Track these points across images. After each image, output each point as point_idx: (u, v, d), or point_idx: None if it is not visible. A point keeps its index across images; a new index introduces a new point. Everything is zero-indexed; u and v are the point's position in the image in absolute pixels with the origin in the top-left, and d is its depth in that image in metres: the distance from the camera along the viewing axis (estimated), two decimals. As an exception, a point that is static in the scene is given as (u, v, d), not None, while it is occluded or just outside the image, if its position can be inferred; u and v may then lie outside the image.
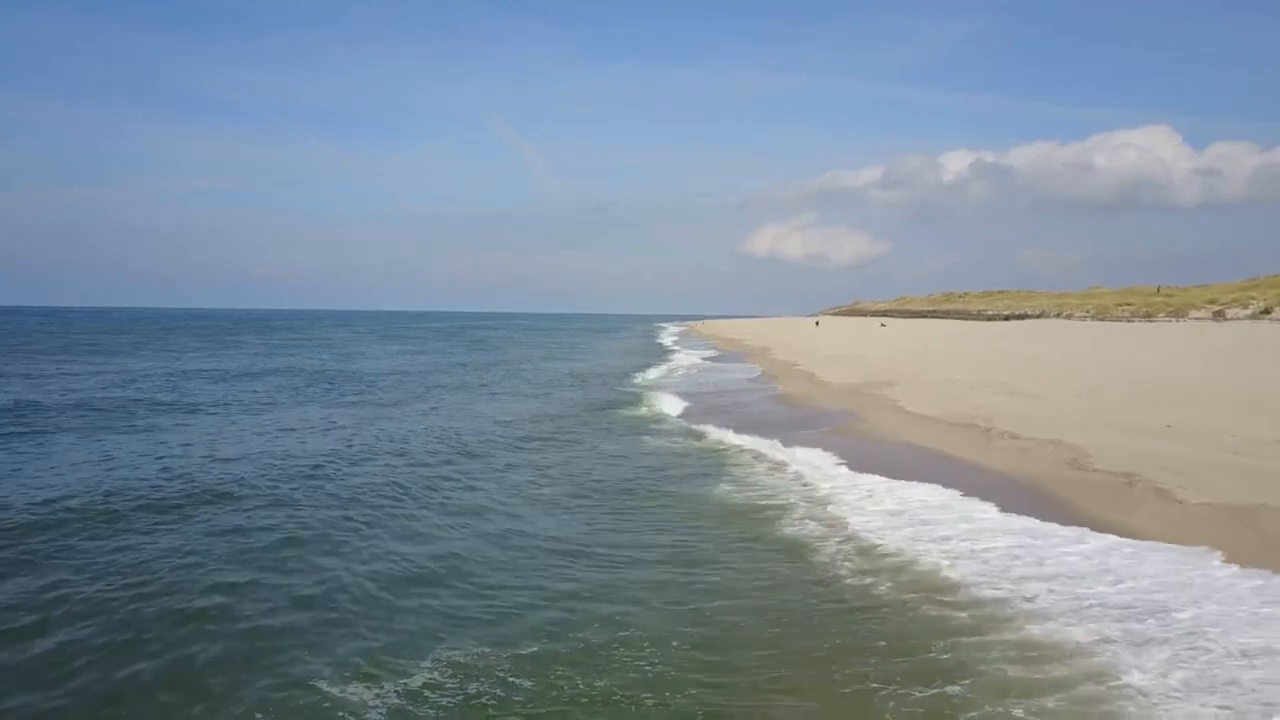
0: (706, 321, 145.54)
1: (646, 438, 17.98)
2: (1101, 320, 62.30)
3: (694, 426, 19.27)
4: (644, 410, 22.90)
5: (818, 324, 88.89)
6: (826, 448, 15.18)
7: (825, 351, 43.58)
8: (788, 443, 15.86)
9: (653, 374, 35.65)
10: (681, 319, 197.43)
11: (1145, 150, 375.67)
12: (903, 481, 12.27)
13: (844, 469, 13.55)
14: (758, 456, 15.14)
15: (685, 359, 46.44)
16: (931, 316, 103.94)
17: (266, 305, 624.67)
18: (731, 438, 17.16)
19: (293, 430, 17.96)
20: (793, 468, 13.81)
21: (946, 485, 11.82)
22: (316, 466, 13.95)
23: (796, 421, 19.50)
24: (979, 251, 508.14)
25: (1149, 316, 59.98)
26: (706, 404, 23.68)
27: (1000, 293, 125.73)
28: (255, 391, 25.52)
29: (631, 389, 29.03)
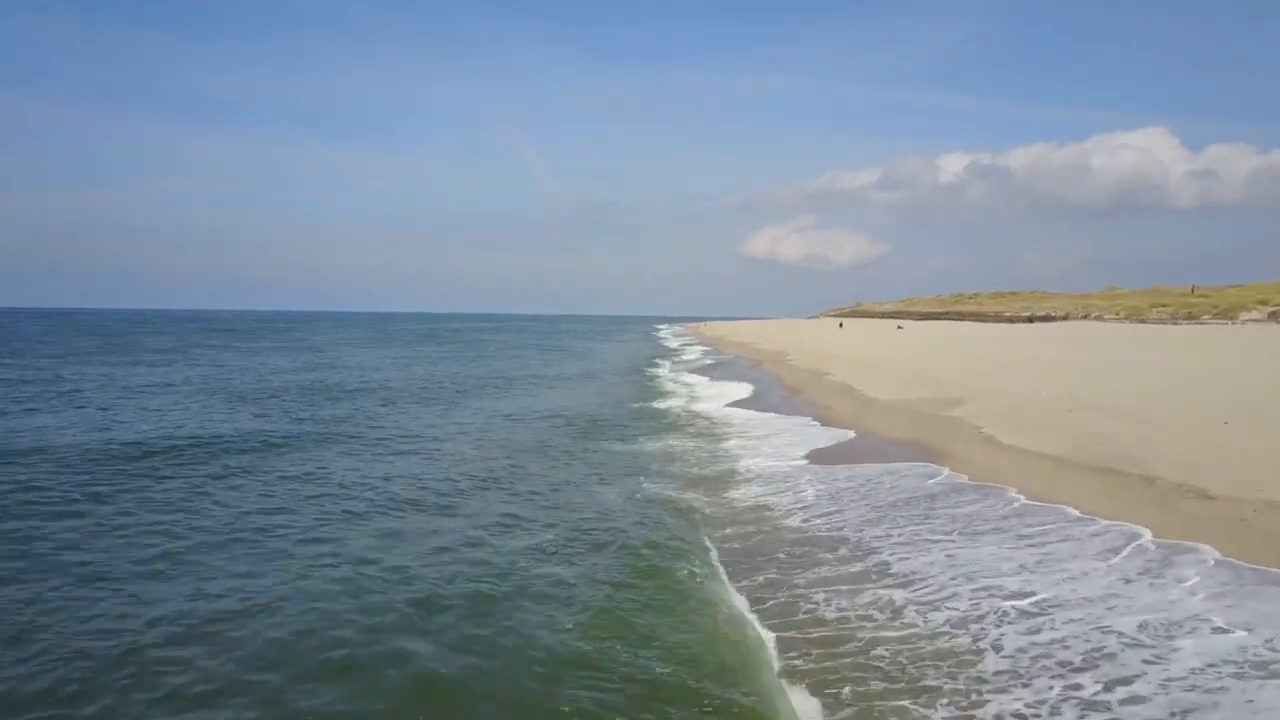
0: (708, 324, 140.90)
1: (649, 479, 13.37)
2: (1142, 322, 57.74)
3: (730, 467, 14.66)
4: (661, 443, 18.28)
5: (841, 325, 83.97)
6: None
7: (851, 357, 38.96)
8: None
9: (668, 397, 31.02)
10: (680, 321, 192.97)
11: (1143, 152, 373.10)
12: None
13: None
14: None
15: (693, 364, 41.84)
16: (944, 318, 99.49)
17: (267, 307, 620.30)
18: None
19: (171, 506, 11.09)
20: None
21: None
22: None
23: (856, 457, 14.90)
24: (977, 253, 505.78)
25: (1192, 318, 55.46)
26: (724, 429, 19.09)
27: (1012, 294, 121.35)
28: (173, 411, 20.85)
29: (656, 408, 24.41)
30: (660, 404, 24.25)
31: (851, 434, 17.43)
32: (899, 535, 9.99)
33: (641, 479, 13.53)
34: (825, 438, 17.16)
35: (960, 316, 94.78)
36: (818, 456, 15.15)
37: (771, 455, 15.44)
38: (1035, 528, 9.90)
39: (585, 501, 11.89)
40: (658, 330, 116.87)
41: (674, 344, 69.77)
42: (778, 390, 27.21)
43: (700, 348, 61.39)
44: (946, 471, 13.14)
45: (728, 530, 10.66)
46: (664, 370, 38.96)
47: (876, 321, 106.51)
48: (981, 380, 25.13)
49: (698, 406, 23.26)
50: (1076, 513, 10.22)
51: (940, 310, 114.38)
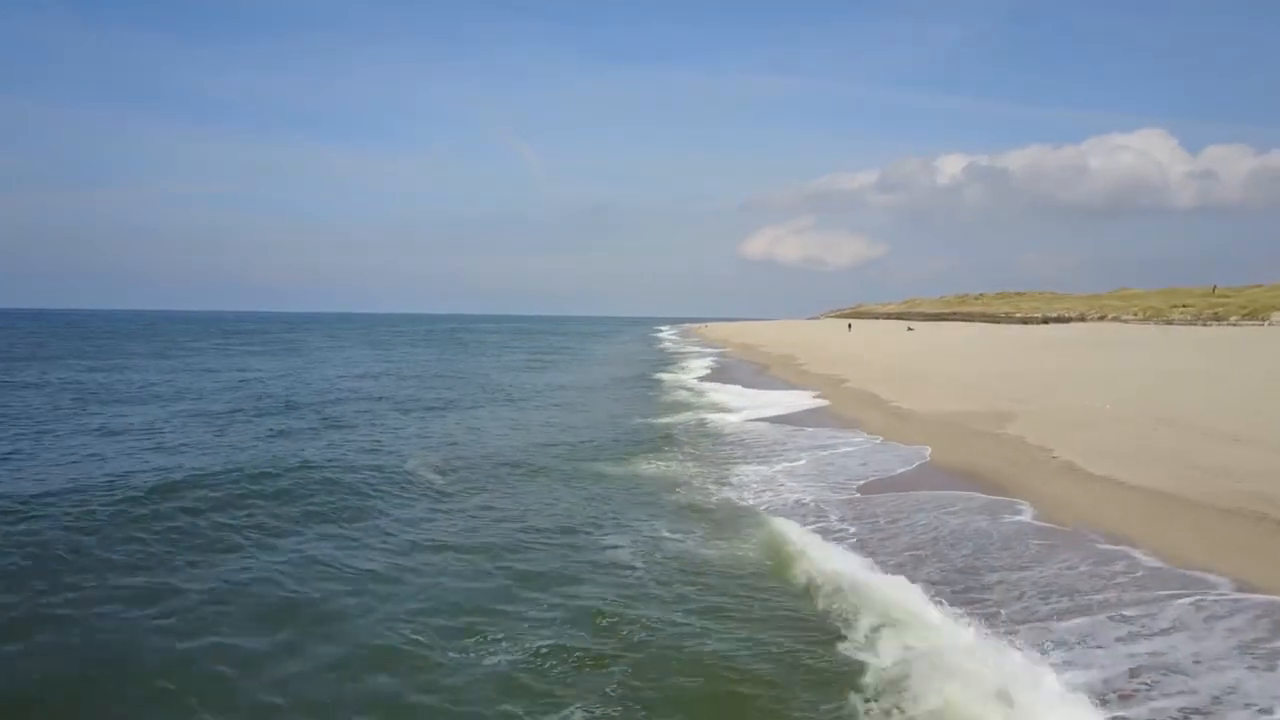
0: (708, 325, 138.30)
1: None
2: (1169, 323, 55.20)
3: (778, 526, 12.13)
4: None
5: (850, 327, 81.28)
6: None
7: (867, 361, 36.45)
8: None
9: (675, 414, 28.46)
10: (679, 321, 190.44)
11: (1141, 153, 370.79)
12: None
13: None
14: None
15: (699, 370, 39.30)
16: (951, 319, 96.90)
17: (268, 308, 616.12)
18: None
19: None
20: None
21: None
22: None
23: (908, 486, 12.40)
24: (976, 254, 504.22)
25: (1219, 318, 52.90)
26: (736, 450, 16.56)
27: (1019, 294, 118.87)
28: (106, 436, 18.34)
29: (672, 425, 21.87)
30: (672, 418, 21.73)
31: (921, 457, 14.89)
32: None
33: (655, 521, 11.00)
34: (866, 462, 14.63)
35: (969, 317, 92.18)
36: (865, 486, 12.63)
37: (806, 480, 12.92)
38: (1140, 606, 7.39)
39: (588, 571, 9.33)
40: (658, 331, 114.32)
41: (676, 347, 67.29)
42: (799, 401, 24.69)
43: (702, 349, 58.84)
44: (1026, 512, 10.63)
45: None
46: (670, 376, 36.44)
47: (882, 323, 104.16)
48: (1023, 389, 22.63)
49: (711, 420, 20.74)
50: (1226, 584, 7.72)
51: (946, 311, 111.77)
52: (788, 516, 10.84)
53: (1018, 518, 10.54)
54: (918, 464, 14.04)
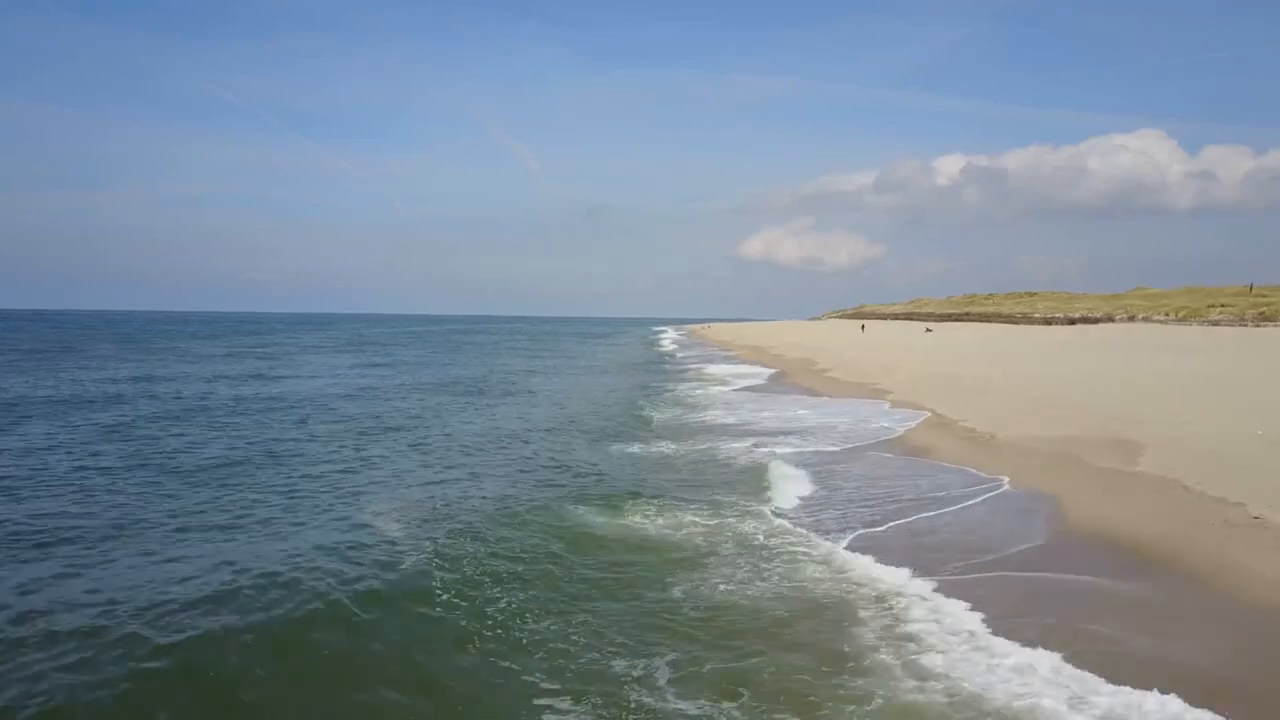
0: (710, 326, 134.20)
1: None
2: (1214, 324, 51.24)
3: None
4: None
5: (863, 328, 77.42)
6: None
7: (901, 368, 32.37)
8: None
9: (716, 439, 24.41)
10: (678, 323, 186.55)
11: (1139, 154, 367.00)
12: None
13: None
14: None
15: (724, 382, 35.26)
16: (966, 319, 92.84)
17: (266, 309, 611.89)
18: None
19: None
20: None
21: None
22: None
23: (1041, 563, 8.36)
24: (975, 255, 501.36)
25: (1268, 319, 48.98)
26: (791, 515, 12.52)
27: (1032, 294, 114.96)
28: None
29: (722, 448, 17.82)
30: (686, 446, 17.71)
31: (1046, 511, 10.82)
32: None
33: (658, 658, 6.95)
34: (963, 519, 10.58)
35: (984, 318, 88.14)
36: (988, 564, 8.59)
37: (896, 554, 8.89)
38: None
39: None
40: (660, 333, 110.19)
41: (680, 350, 63.19)
42: (847, 422, 20.64)
43: (708, 354, 54.79)
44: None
45: None
46: (678, 385, 32.43)
47: (890, 323, 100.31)
48: (1112, 402, 18.58)
49: (731, 450, 16.72)
50: None
51: (957, 312, 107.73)
52: (887, 630, 6.79)
53: None
54: (1049, 532, 9.89)
